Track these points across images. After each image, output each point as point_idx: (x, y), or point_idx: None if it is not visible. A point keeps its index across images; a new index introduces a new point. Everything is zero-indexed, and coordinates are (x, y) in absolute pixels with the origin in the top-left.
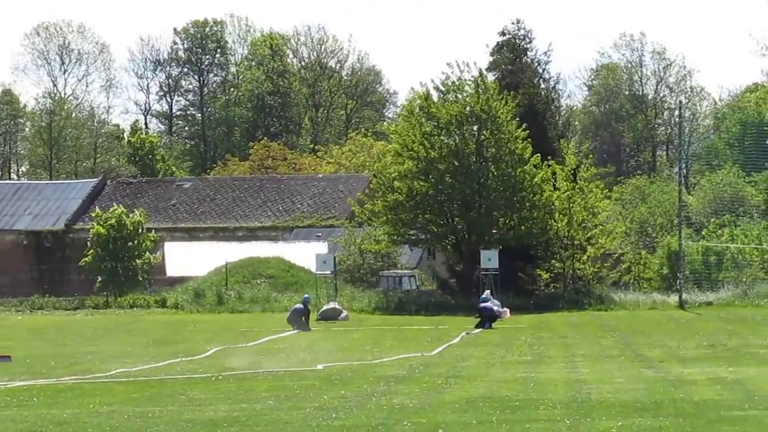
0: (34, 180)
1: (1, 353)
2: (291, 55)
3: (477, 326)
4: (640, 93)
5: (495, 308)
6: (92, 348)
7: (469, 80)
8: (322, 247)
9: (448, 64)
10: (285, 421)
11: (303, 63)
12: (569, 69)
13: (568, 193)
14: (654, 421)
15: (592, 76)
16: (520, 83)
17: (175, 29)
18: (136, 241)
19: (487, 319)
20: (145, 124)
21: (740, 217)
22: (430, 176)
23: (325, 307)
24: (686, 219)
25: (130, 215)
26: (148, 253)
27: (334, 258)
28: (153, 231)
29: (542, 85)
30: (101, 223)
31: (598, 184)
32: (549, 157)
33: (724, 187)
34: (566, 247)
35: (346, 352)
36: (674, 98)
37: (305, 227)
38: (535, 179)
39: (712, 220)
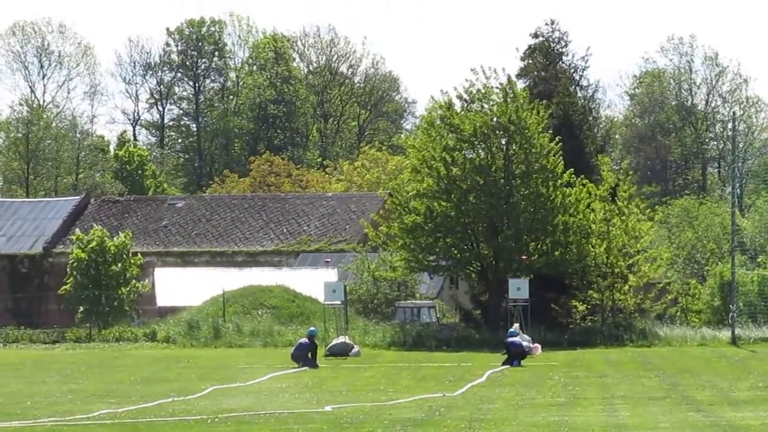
0: (9, 198)
1: None
2: (297, 59)
3: (504, 363)
4: (689, 103)
5: (525, 344)
6: (73, 386)
7: (497, 88)
8: (331, 275)
9: (472, 70)
10: None
11: (311, 68)
12: (609, 76)
13: (606, 214)
14: None
15: (635, 84)
16: (553, 92)
17: (167, 29)
18: (120, 267)
19: (516, 356)
20: (134, 135)
21: None
22: (452, 195)
23: (334, 342)
24: (740, 245)
25: (114, 237)
26: (135, 281)
27: (345, 286)
28: (139, 255)
29: (579, 94)
30: (82, 246)
31: (639, 204)
32: (584, 175)
33: None
34: (605, 276)
35: (357, 392)
36: (727, 109)
37: (312, 252)
38: (569, 198)
39: None
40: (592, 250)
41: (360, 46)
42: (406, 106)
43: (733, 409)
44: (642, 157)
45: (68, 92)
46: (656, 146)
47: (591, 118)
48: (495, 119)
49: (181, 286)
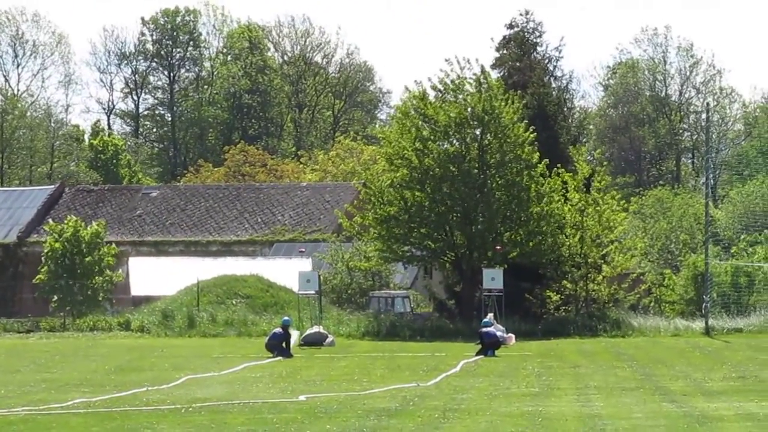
0: None
1: None
2: (272, 49)
3: (478, 353)
4: (663, 94)
5: (498, 334)
6: (48, 375)
7: (471, 78)
8: (305, 264)
9: (447, 60)
10: None
11: (285, 58)
12: (584, 67)
13: (580, 204)
14: None
15: (609, 75)
16: (528, 82)
17: (142, 19)
18: (95, 256)
19: (490, 346)
20: (108, 125)
21: None
22: (426, 185)
23: (308, 332)
24: (713, 235)
25: (88, 227)
26: (108, 270)
27: (319, 276)
28: (114, 244)
29: (553, 85)
30: (55, 236)
31: (614, 195)
32: (558, 165)
33: (756, 200)
34: (579, 266)
35: (331, 381)
36: (701, 100)
37: (286, 242)
38: (544, 188)
39: (743, 236)
40: (566, 240)
41: (334, 36)
42: (381, 96)
43: (707, 400)
44: (616, 147)
45: (43, 81)
46: (630, 137)
47: (565, 109)
48: (469, 109)
49: (155, 276)
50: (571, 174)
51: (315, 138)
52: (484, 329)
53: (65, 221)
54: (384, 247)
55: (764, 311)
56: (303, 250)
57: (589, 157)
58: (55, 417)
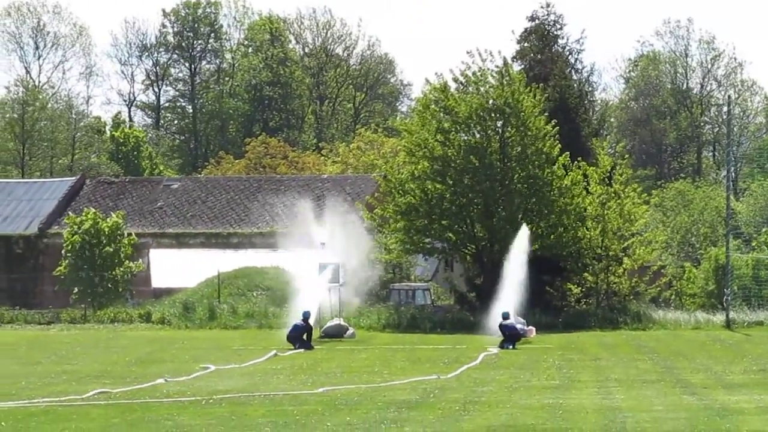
0: (4, 178)
1: None
2: (293, 41)
3: (500, 346)
4: (685, 87)
5: (519, 326)
6: (68, 367)
7: (493, 71)
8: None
9: (468, 52)
10: None
11: (306, 50)
12: (605, 59)
13: (601, 197)
14: None
15: (631, 68)
16: (549, 75)
17: (163, 11)
18: (114, 248)
19: (510, 339)
20: (129, 116)
21: None
22: (447, 177)
23: (329, 324)
24: (735, 228)
25: (107, 218)
26: (128, 261)
27: (340, 268)
28: (132, 234)
29: (574, 77)
30: (74, 229)
31: (636, 188)
32: (579, 158)
33: None
34: (600, 259)
35: (352, 373)
36: (723, 93)
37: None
38: (565, 181)
39: (764, 229)
40: (587, 233)
41: (356, 28)
42: (402, 88)
43: (727, 393)
44: (637, 140)
45: (63, 73)
46: (651, 130)
47: (586, 102)
48: (491, 102)
49: (176, 268)
50: (592, 167)
51: (336, 130)
52: (505, 322)
53: (84, 213)
54: (405, 239)
55: None
56: (324, 242)
57: (610, 150)
58: (75, 408)
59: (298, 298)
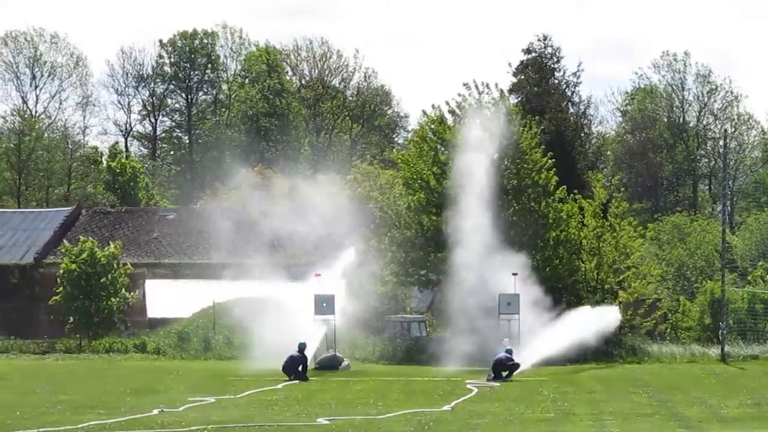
0: (1, 208)
1: None
2: (290, 72)
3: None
4: (681, 120)
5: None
6: (63, 397)
7: (489, 103)
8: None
9: (465, 84)
10: None
11: (303, 81)
12: (601, 92)
13: (597, 230)
14: None
15: (627, 101)
16: (546, 107)
17: (160, 41)
18: (110, 277)
19: (497, 369)
20: (126, 146)
21: None
22: (444, 209)
23: (323, 355)
24: (730, 262)
25: (104, 248)
26: (124, 291)
27: (335, 300)
28: (128, 264)
29: (571, 110)
30: (71, 257)
31: (631, 221)
32: (576, 191)
33: None
34: (595, 291)
35: (347, 405)
36: (719, 126)
37: (303, 265)
38: (561, 214)
39: (760, 263)
40: (583, 265)
41: (352, 60)
42: (398, 120)
43: (722, 427)
44: (633, 173)
45: (60, 103)
46: (647, 163)
47: (583, 134)
48: (488, 134)
49: (171, 298)
50: (588, 200)
51: (332, 162)
52: (499, 357)
53: (80, 242)
54: (400, 271)
55: None
56: (319, 273)
57: (606, 183)
58: None
59: (293, 330)
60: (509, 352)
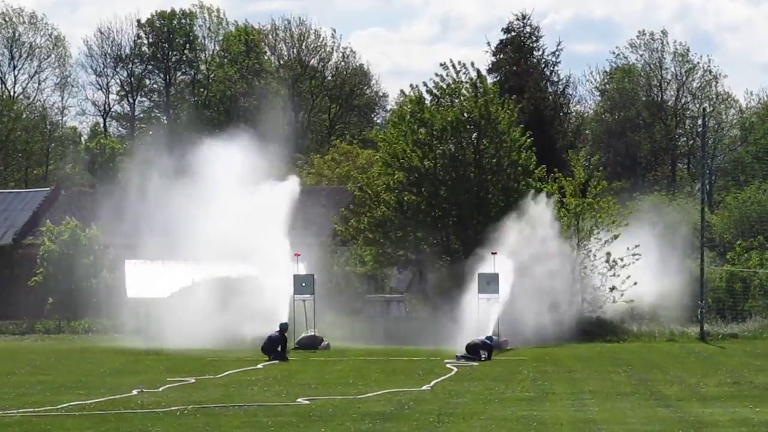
0: None
1: None
2: (268, 53)
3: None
4: (659, 99)
5: (492, 336)
6: (42, 377)
7: (467, 83)
8: (300, 268)
9: (442, 64)
10: None
11: (281, 61)
12: (580, 71)
13: (576, 209)
14: None
15: (606, 80)
16: (525, 87)
17: (138, 21)
18: (92, 259)
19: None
20: (105, 127)
21: None
22: (423, 188)
23: (303, 335)
24: (709, 241)
25: (86, 229)
26: (105, 272)
27: (314, 279)
28: (111, 247)
29: (550, 89)
30: (52, 238)
31: (610, 200)
32: (555, 170)
33: (751, 206)
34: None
35: (326, 385)
36: (697, 105)
37: None
38: (540, 193)
39: (738, 242)
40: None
41: (330, 40)
42: (377, 100)
43: (702, 405)
44: (612, 152)
45: (39, 83)
46: (626, 142)
47: (562, 114)
48: (465, 114)
49: (150, 278)
50: (568, 179)
51: (311, 141)
52: (476, 341)
53: (63, 223)
54: (379, 251)
55: (759, 317)
56: (299, 253)
57: (585, 162)
58: (50, 419)
59: (273, 309)
60: (489, 339)
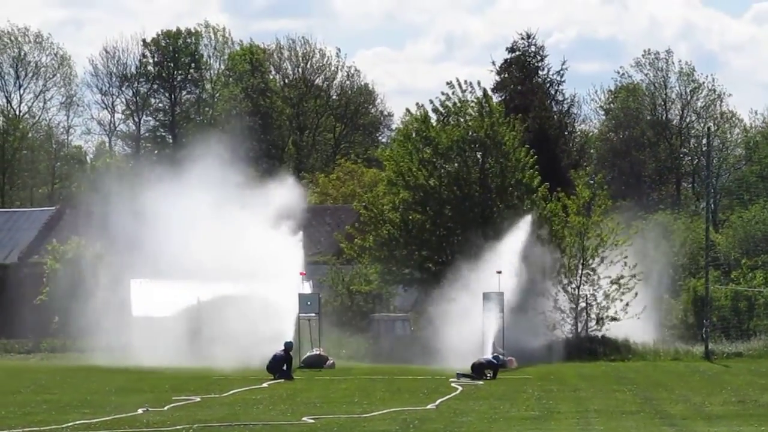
0: None
1: None
2: (273, 72)
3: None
4: (664, 118)
5: (498, 355)
6: (48, 396)
7: (473, 102)
8: (305, 287)
9: (448, 83)
10: None
11: (287, 80)
12: (584, 90)
13: (580, 228)
14: None
15: (611, 99)
16: (530, 106)
17: (144, 41)
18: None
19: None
20: (110, 146)
21: None
22: (428, 207)
23: (308, 354)
24: (714, 260)
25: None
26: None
27: (320, 298)
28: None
29: (554, 108)
30: (57, 257)
31: (614, 218)
32: (559, 189)
33: (756, 225)
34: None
35: (332, 404)
36: (702, 125)
37: None
38: (545, 212)
39: (743, 261)
40: (567, 263)
41: (335, 59)
42: (382, 119)
43: (707, 424)
44: (616, 171)
45: (44, 102)
46: (631, 161)
47: (566, 133)
48: (471, 133)
49: (155, 297)
50: (572, 198)
51: (316, 160)
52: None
53: (68, 242)
54: (384, 270)
55: (764, 336)
56: (303, 272)
57: (590, 181)
58: None
59: (278, 329)
60: (496, 358)
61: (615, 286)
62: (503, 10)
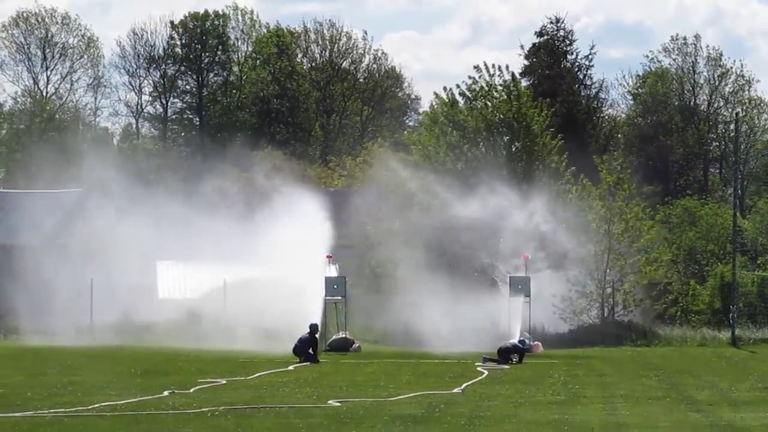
0: (12, 189)
1: None
2: (300, 55)
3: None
4: (692, 104)
5: (524, 340)
6: (74, 378)
7: (500, 85)
8: (331, 270)
9: (476, 67)
10: None
11: (313, 63)
12: (612, 75)
13: (606, 213)
14: None
15: (639, 84)
16: (558, 90)
17: (171, 22)
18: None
19: (503, 354)
20: (137, 128)
21: None
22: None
23: (334, 337)
24: (741, 246)
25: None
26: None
27: (346, 282)
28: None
29: (582, 93)
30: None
31: (639, 203)
32: (582, 175)
33: None
34: (605, 275)
35: (357, 387)
36: (730, 110)
37: None
38: (571, 196)
39: None
40: (592, 248)
41: (361, 42)
42: (410, 102)
43: (733, 410)
44: (644, 156)
45: (71, 84)
46: (658, 146)
47: (594, 118)
48: (498, 116)
49: (182, 279)
50: (597, 183)
51: (343, 144)
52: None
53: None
54: (410, 254)
55: None
56: (330, 255)
57: (616, 166)
58: (81, 419)
59: (304, 311)
60: (521, 342)
61: (641, 271)
62: None
